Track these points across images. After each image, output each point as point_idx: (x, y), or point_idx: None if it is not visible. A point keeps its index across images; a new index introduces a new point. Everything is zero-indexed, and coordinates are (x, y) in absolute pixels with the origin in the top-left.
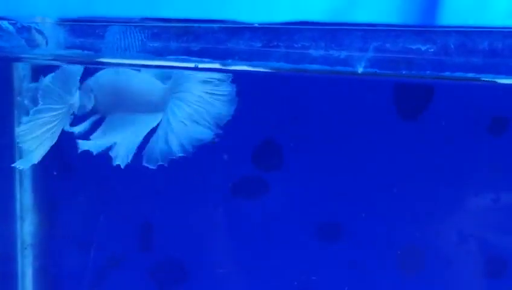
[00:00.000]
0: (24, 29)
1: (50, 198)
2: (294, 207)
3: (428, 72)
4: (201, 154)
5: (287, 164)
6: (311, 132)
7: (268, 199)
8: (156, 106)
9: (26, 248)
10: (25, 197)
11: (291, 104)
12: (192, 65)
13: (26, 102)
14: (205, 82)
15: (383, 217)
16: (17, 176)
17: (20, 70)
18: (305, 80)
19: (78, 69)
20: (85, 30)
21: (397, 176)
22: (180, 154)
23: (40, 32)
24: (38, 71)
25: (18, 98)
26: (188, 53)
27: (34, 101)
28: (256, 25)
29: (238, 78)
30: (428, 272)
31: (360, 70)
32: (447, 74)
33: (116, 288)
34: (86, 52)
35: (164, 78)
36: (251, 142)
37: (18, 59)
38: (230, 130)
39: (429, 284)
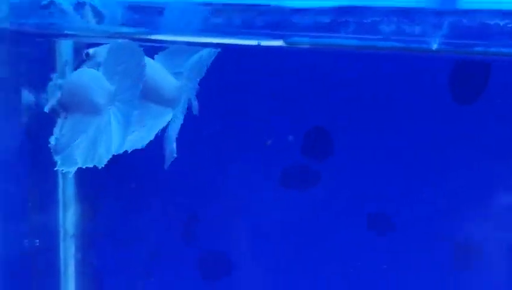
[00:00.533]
0: (79, 6)
1: (93, 189)
2: (345, 197)
3: (505, 49)
4: (249, 144)
5: (337, 152)
6: (363, 118)
7: (319, 189)
8: (167, 103)
9: (72, 236)
10: (67, 188)
11: (342, 89)
12: (255, 42)
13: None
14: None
15: (435, 209)
16: None
17: (63, 56)
18: (358, 64)
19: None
20: (144, 6)
21: (452, 166)
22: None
23: (95, 8)
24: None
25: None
26: (251, 29)
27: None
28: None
29: (294, 56)
30: (481, 267)
31: (434, 46)
32: None
33: (160, 280)
34: (144, 29)
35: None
36: (301, 130)
37: (73, 36)
38: (280, 118)
39: (482, 280)
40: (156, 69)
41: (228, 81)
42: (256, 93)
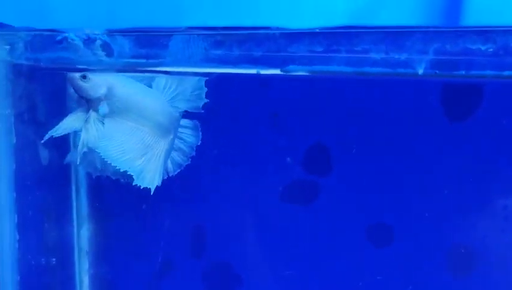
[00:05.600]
0: (90, 41)
1: (105, 206)
2: (345, 211)
3: (488, 72)
4: (252, 159)
5: (336, 167)
6: (360, 134)
7: (319, 203)
8: (166, 130)
9: (86, 253)
10: (81, 205)
11: (340, 107)
12: (254, 71)
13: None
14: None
15: (433, 219)
16: (73, 184)
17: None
18: (354, 84)
19: None
20: (149, 40)
21: (447, 178)
22: None
23: (105, 43)
24: None
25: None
26: (250, 60)
27: None
28: (317, 30)
29: (293, 82)
30: (479, 274)
31: (420, 72)
32: (507, 73)
33: None
34: (151, 61)
35: None
36: (301, 146)
37: (84, 70)
38: (280, 135)
39: (480, 287)
40: (150, 95)
41: (231, 105)
42: (258, 115)
